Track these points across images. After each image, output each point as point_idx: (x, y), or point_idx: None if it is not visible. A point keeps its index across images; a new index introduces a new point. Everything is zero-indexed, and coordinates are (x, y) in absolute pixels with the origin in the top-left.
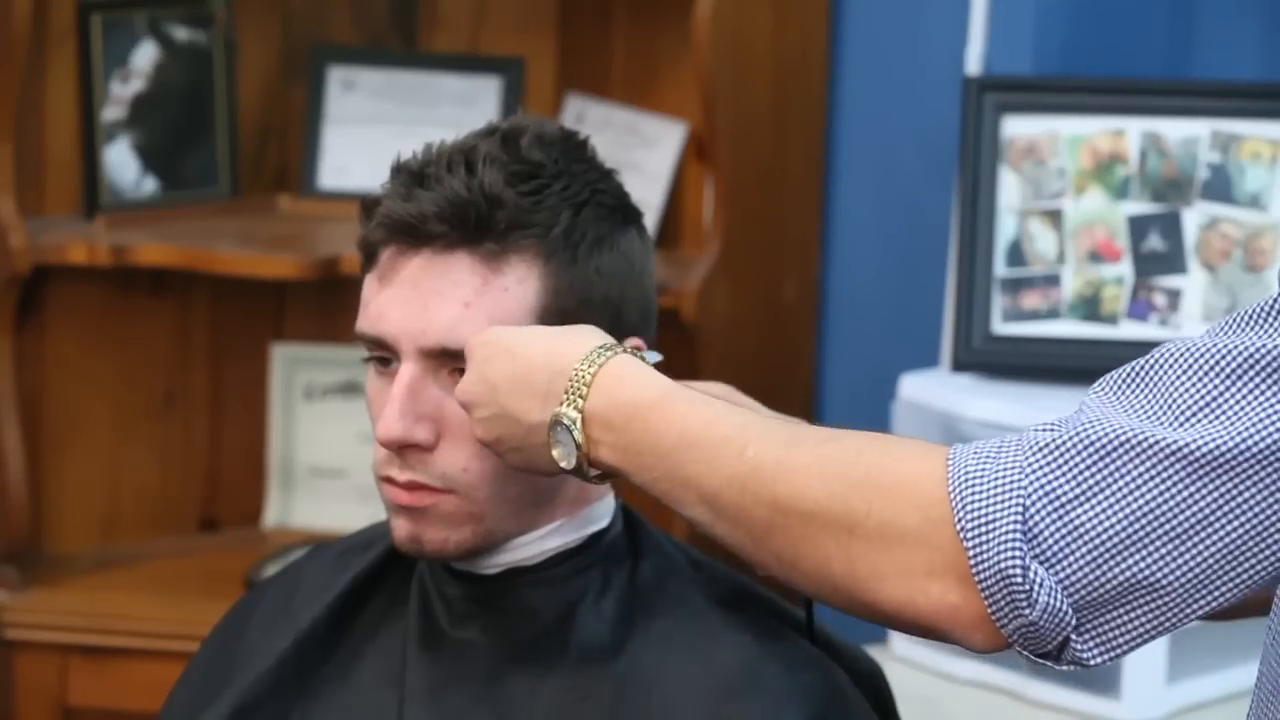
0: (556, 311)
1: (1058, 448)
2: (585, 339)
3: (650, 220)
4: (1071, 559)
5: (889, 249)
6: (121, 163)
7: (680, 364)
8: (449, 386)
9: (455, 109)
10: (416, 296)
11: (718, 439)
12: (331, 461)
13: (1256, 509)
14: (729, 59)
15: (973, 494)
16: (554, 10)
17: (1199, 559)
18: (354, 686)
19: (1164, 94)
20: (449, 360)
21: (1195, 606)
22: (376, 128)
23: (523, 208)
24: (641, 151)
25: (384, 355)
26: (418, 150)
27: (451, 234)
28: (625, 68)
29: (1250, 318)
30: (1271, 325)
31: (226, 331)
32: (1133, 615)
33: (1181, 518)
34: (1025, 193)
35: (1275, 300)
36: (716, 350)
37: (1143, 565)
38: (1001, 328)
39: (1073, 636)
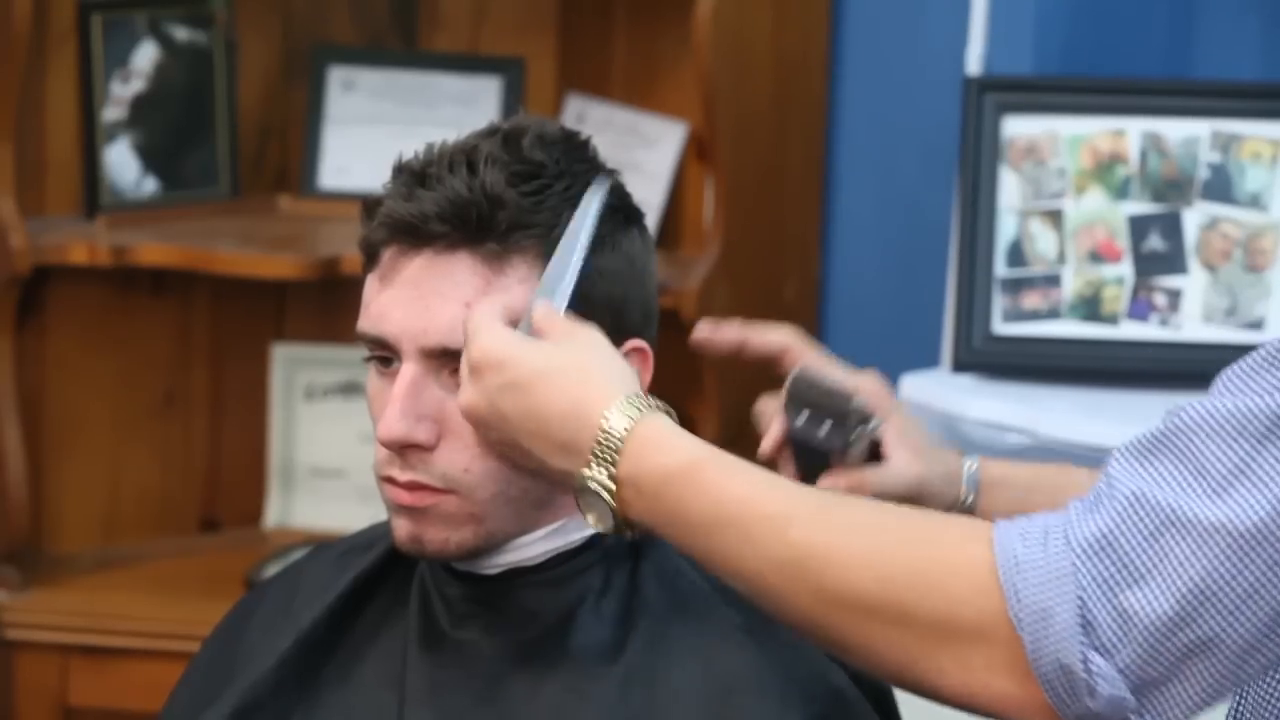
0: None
1: (1106, 536)
2: (610, 388)
3: (650, 220)
4: (1129, 646)
5: (889, 249)
6: (122, 163)
7: (681, 364)
8: (450, 387)
9: (455, 109)
10: (418, 296)
11: (757, 518)
12: (332, 462)
13: None
14: (729, 59)
15: (1025, 583)
16: (554, 10)
17: (1251, 626)
18: (355, 687)
19: (1164, 94)
20: (450, 360)
21: (1250, 668)
22: (377, 128)
23: (524, 208)
24: (642, 152)
25: (385, 355)
26: (419, 150)
27: (453, 234)
28: (625, 68)
29: (1268, 360)
30: None
31: (227, 332)
32: (1190, 686)
33: (1231, 591)
34: (1025, 193)
35: None
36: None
37: (1197, 641)
38: (1002, 328)
39: (1131, 717)
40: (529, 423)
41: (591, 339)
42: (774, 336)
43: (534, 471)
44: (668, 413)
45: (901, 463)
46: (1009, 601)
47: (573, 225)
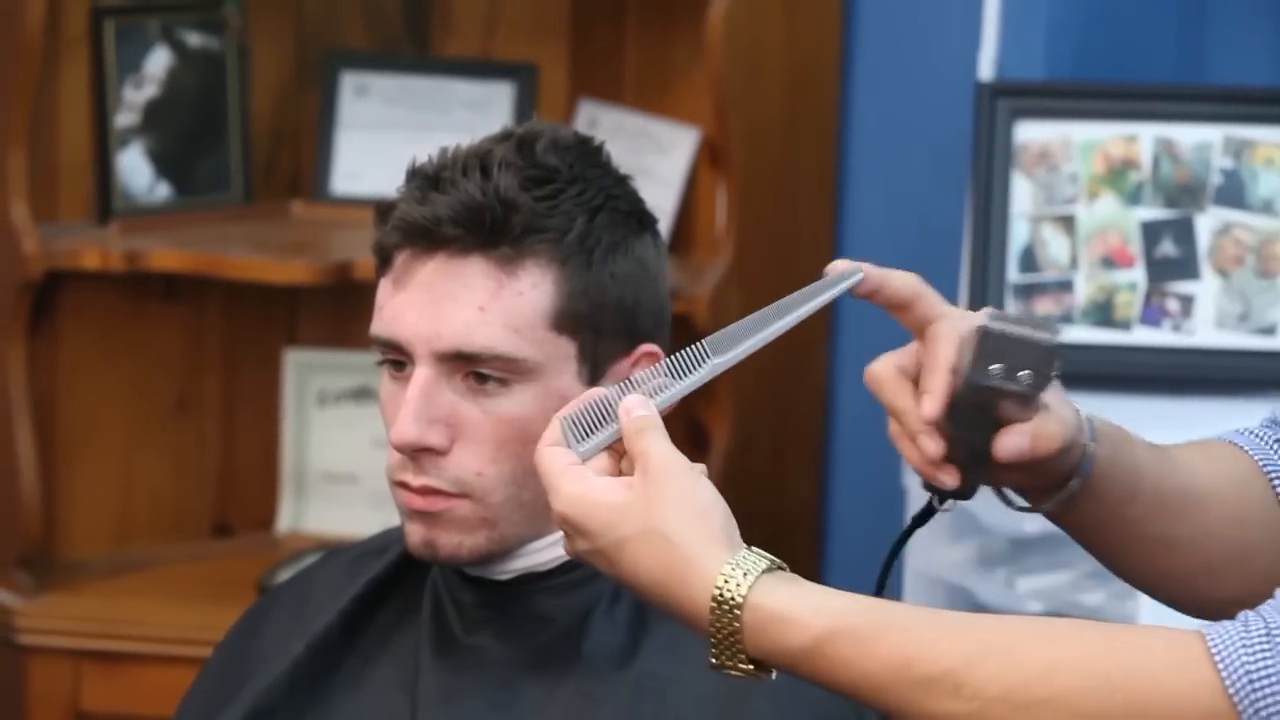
0: (570, 316)
1: None
2: (700, 563)
3: (663, 226)
4: None
5: (901, 254)
6: (134, 168)
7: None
8: (463, 391)
9: (468, 114)
10: (431, 300)
11: (919, 682)
12: (344, 467)
13: None
14: (741, 64)
15: (1264, 697)
16: (566, 16)
17: None
18: (367, 692)
19: (1176, 99)
20: (463, 364)
21: None
22: (389, 133)
23: (538, 212)
24: (654, 157)
25: (398, 359)
26: (433, 155)
27: (466, 238)
28: (638, 73)
29: None
30: None
31: (239, 337)
32: None
33: None
34: (1038, 198)
35: None
36: None
37: None
38: None
39: None
40: (630, 582)
41: (665, 489)
42: (906, 279)
43: None
44: (772, 566)
45: (1062, 411)
46: (1244, 717)
47: (735, 328)
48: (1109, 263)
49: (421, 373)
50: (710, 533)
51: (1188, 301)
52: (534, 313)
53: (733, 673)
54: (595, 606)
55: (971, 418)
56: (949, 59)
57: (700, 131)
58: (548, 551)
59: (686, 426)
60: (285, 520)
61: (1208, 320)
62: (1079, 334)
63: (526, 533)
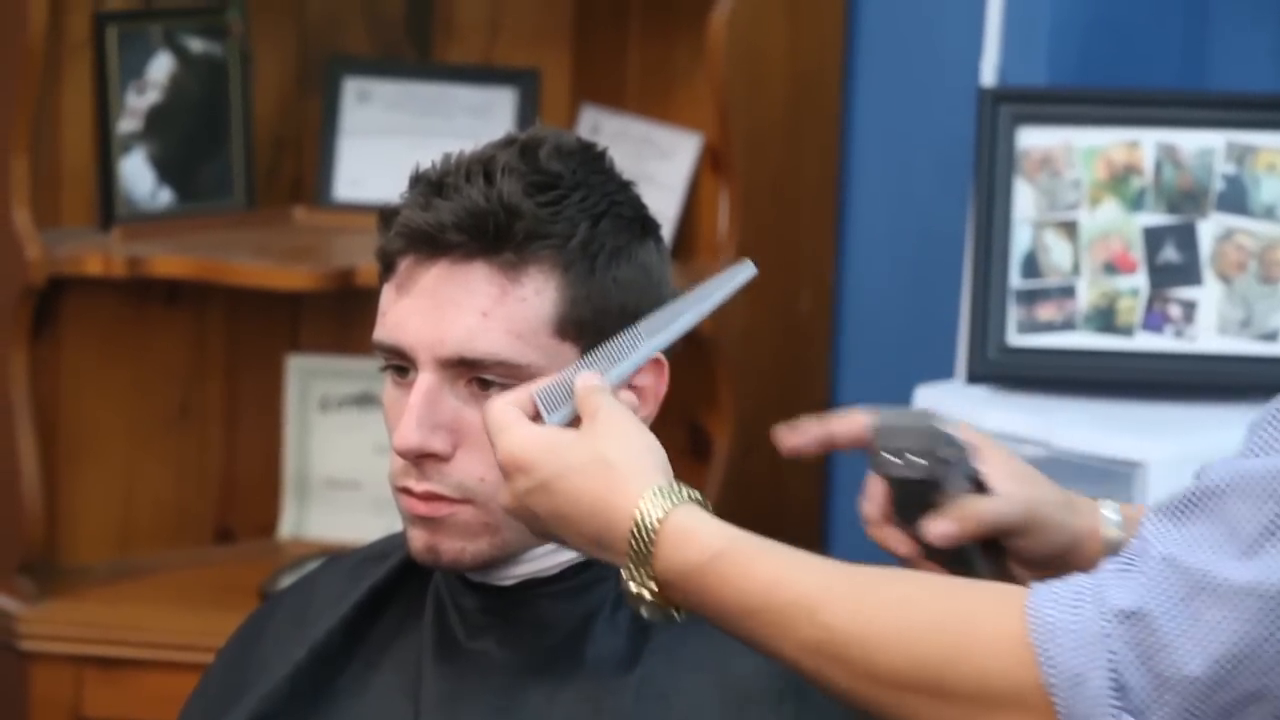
0: (573, 322)
1: (1137, 600)
2: (633, 483)
3: (665, 232)
4: (1162, 709)
5: (904, 260)
6: (137, 174)
7: (696, 376)
8: (466, 397)
9: (470, 120)
10: (434, 306)
11: (782, 604)
12: (347, 473)
13: None
14: (744, 70)
15: (1058, 648)
16: (569, 22)
17: None
18: (369, 698)
19: (1179, 105)
20: (466, 370)
21: None
22: (391, 139)
23: (541, 218)
24: (656, 163)
25: (401, 365)
26: (436, 160)
27: (470, 244)
28: (640, 79)
29: None
30: None
31: (242, 343)
32: None
33: (1266, 653)
34: (1040, 204)
35: None
36: (731, 362)
37: (1233, 702)
38: (1016, 339)
39: None
40: (559, 522)
41: (612, 427)
42: (856, 420)
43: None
44: (695, 499)
45: (1009, 489)
46: (1042, 668)
47: (665, 311)
48: (1111, 268)
49: (424, 379)
50: (646, 465)
51: (1190, 307)
52: (537, 319)
53: (643, 609)
54: (598, 612)
55: (909, 513)
56: (951, 64)
57: (702, 137)
58: (550, 557)
59: (688, 432)
60: (287, 526)
61: (1210, 326)
62: (1081, 340)
63: (529, 539)
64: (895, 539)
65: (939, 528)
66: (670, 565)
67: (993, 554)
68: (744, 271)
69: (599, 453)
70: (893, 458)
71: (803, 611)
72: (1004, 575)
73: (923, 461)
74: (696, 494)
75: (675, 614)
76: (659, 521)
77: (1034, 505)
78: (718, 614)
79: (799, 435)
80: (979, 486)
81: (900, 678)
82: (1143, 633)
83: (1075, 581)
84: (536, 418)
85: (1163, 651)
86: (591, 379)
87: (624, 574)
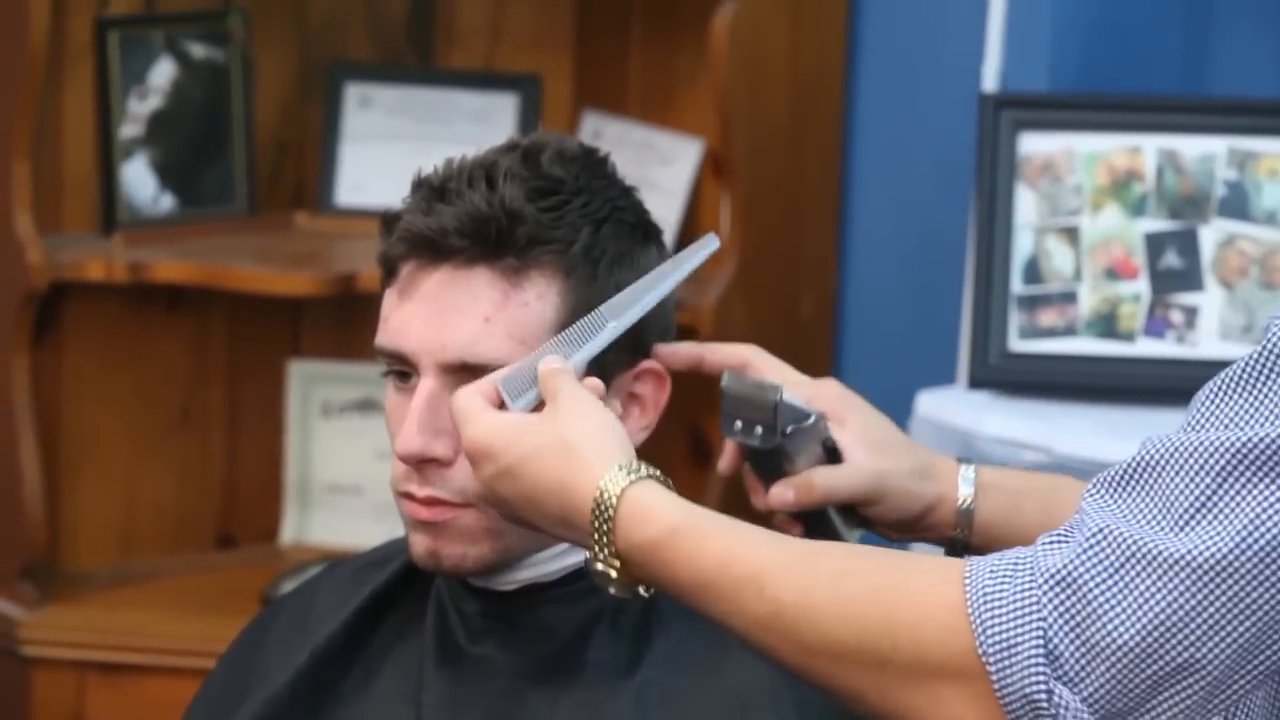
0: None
1: (1069, 567)
2: (593, 462)
3: (667, 237)
4: (1093, 677)
5: (905, 266)
6: (139, 180)
7: (697, 382)
8: None
9: (472, 126)
10: (436, 311)
11: (734, 580)
12: (348, 478)
13: (1265, 607)
14: (746, 76)
15: (992, 617)
16: (571, 27)
17: (1218, 659)
18: (371, 703)
19: (1181, 111)
20: (468, 375)
21: (1219, 701)
22: (393, 144)
23: (543, 223)
24: (658, 169)
25: (403, 370)
26: (438, 165)
27: (472, 249)
28: (642, 85)
29: (1234, 385)
30: (1256, 392)
31: (243, 348)
32: (1159, 718)
33: (1196, 624)
34: (1042, 209)
35: (1256, 360)
36: None
37: (1163, 673)
38: (1018, 345)
39: None
40: (527, 505)
41: (573, 408)
42: (734, 351)
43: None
44: (654, 476)
45: (857, 460)
46: (976, 636)
47: (628, 293)
48: (1113, 274)
49: (426, 384)
50: (606, 444)
51: (1191, 313)
52: (539, 324)
53: (611, 587)
54: (599, 617)
55: (759, 468)
56: (953, 70)
57: (704, 143)
58: (552, 563)
59: (690, 439)
60: (289, 532)
61: (1211, 332)
62: (1082, 345)
63: (531, 543)
64: (758, 495)
65: (780, 496)
66: (630, 541)
67: (851, 515)
68: (708, 246)
69: (560, 434)
70: (735, 423)
71: (752, 586)
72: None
73: (760, 431)
74: (655, 471)
75: (641, 590)
76: (617, 498)
77: (883, 476)
78: (675, 589)
79: (673, 352)
80: (833, 454)
81: (843, 650)
82: (1074, 600)
83: (1014, 553)
84: (502, 405)
85: (1093, 619)
86: (553, 362)
87: (589, 553)
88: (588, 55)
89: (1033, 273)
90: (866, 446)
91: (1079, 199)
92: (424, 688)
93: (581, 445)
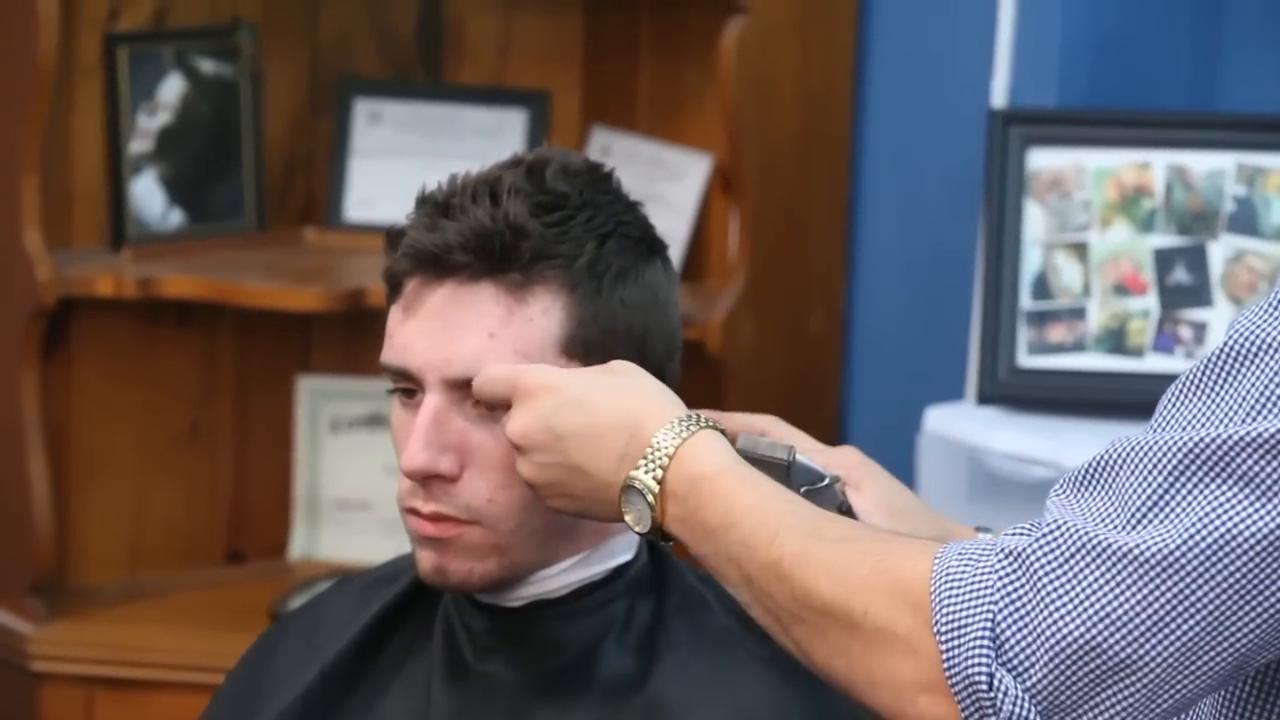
0: (580, 342)
1: (1021, 555)
2: (667, 407)
3: (675, 253)
4: (1036, 666)
5: (914, 281)
6: (148, 195)
7: (705, 396)
8: (474, 417)
9: (481, 141)
10: (441, 327)
11: (756, 523)
12: (357, 494)
13: (1209, 606)
14: (754, 92)
15: (950, 596)
16: (579, 43)
17: (1160, 658)
18: (379, 719)
19: (1189, 127)
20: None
21: (1160, 703)
22: (402, 160)
23: (547, 238)
24: (667, 184)
25: (409, 387)
26: (443, 181)
27: (476, 264)
28: (651, 100)
29: (1196, 383)
30: (1212, 394)
31: (252, 364)
32: (1103, 716)
33: (1140, 619)
34: (1050, 225)
35: (1214, 360)
36: (741, 383)
37: (1105, 668)
38: (1027, 360)
39: None
40: (586, 437)
41: (630, 366)
42: (752, 420)
43: (574, 512)
44: (717, 428)
45: (877, 523)
46: (933, 614)
47: None
48: (1122, 290)
49: (432, 400)
50: (670, 395)
51: (1200, 329)
52: (544, 339)
53: (635, 513)
54: (606, 633)
55: None
56: (961, 86)
57: (713, 158)
58: (559, 578)
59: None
60: (298, 547)
61: None
62: (1091, 361)
63: (537, 559)
64: None
65: None
66: (678, 475)
67: None
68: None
69: (629, 378)
70: None
71: (766, 532)
72: None
73: None
74: (718, 426)
75: (663, 536)
76: (679, 441)
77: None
78: (701, 526)
79: None
80: (850, 517)
81: (824, 606)
82: (1023, 583)
83: (984, 538)
84: None
85: (1039, 606)
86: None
87: (633, 475)
88: (597, 71)
89: (1042, 288)
90: (884, 513)
91: (1088, 214)
92: (432, 705)
93: (651, 390)
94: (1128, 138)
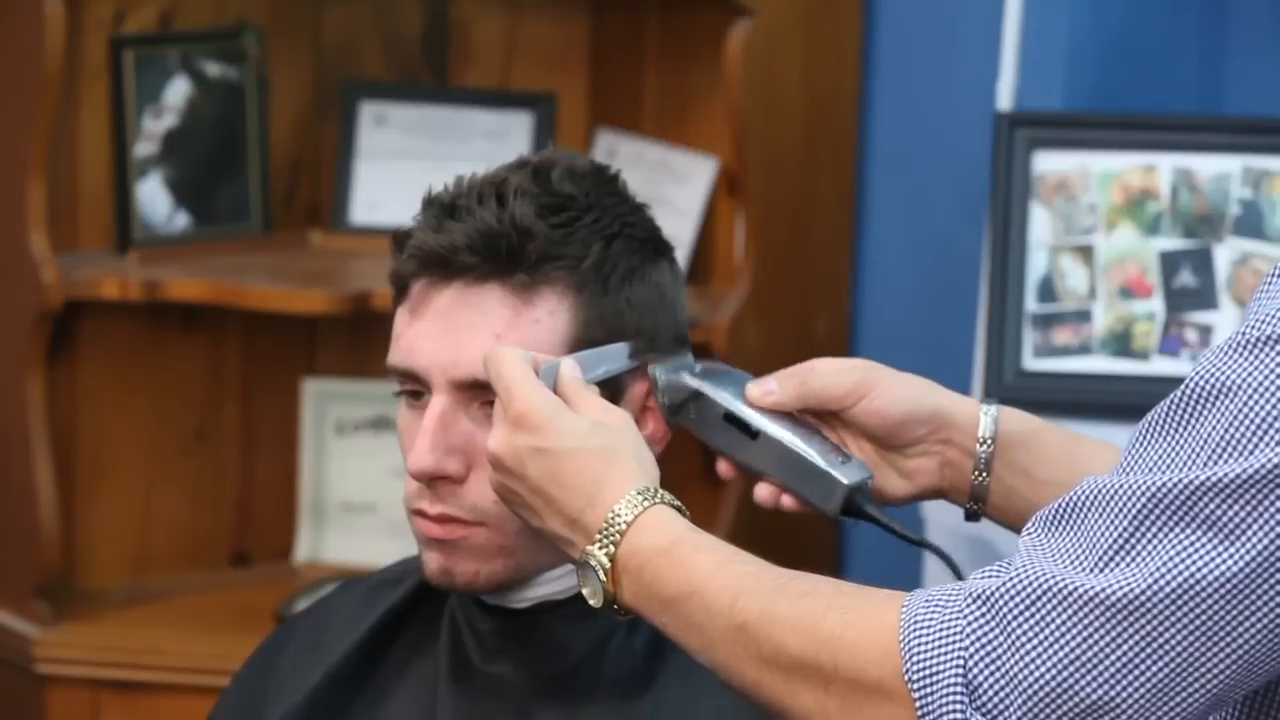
0: (587, 342)
1: (990, 599)
2: (629, 479)
3: (681, 255)
4: (1012, 709)
5: (920, 284)
6: (154, 198)
7: None
8: (480, 419)
9: (487, 144)
10: (448, 329)
11: (716, 589)
12: (362, 496)
13: (1176, 649)
14: (760, 94)
15: (919, 643)
16: (585, 46)
17: (1131, 700)
18: None
19: (1195, 130)
20: (480, 392)
21: None
22: (408, 163)
23: (553, 239)
24: (672, 187)
25: (415, 388)
26: (449, 183)
27: (482, 266)
28: (656, 103)
29: (1161, 424)
30: (1176, 436)
31: (258, 366)
32: None
33: (1108, 662)
34: (1056, 228)
35: (1178, 402)
36: None
37: (1079, 710)
38: (1033, 363)
39: None
40: (548, 488)
41: (624, 426)
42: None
43: (529, 525)
44: (676, 506)
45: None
46: (904, 662)
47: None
48: (1127, 293)
49: (438, 401)
50: (647, 464)
51: (1206, 332)
52: (551, 340)
53: (590, 586)
54: (612, 635)
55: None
56: (967, 89)
57: (719, 161)
58: (565, 580)
59: (703, 458)
60: (303, 550)
61: None
62: (1097, 364)
63: (544, 561)
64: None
65: (761, 387)
66: (632, 550)
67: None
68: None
69: (612, 445)
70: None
71: (728, 596)
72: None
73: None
74: (679, 503)
75: (620, 610)
76: (636, 514)
77: (873, 366)
78: (659, 599)
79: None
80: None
81: (793, 663)
82: (994, 628)
83: (951, 585)
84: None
85: (1010, 651)
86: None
87: (587, 552)
88: (602, 74)
89: (1047, 291)
90: (885, 426)
91: (1094, 218)
92: (438, 706)
93: (625, 463)
94: (1133, 141)
